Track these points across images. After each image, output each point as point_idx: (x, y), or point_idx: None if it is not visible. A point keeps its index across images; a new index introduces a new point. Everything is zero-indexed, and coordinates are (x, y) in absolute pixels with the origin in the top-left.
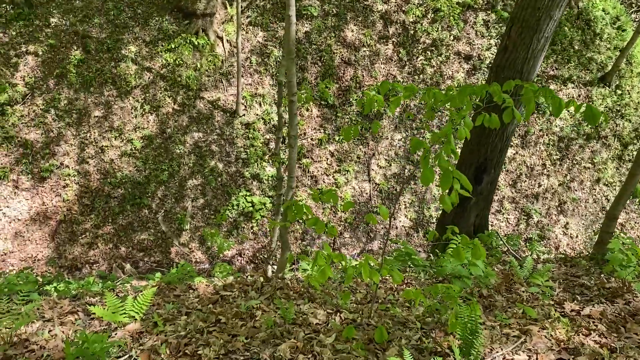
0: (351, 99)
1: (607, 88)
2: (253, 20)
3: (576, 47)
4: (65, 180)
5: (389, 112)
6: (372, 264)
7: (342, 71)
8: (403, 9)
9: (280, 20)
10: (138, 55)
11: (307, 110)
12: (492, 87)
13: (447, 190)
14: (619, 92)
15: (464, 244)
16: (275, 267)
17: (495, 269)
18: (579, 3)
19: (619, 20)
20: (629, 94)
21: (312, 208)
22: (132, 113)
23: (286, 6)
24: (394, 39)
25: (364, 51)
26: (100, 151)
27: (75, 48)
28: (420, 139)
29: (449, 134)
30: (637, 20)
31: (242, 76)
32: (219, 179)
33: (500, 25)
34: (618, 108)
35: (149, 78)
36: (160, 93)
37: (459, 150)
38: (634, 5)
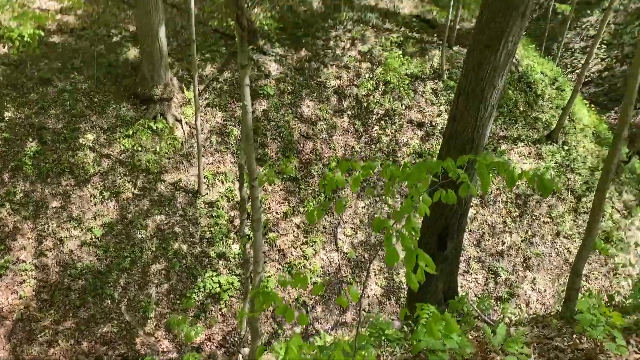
0: (312, 171)
1: (554, 145)
2: (211, 102)
3: (521, 108)
4: (22, 275)
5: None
6: (345, 351)
7: (301, 145)
8: (355, 83)
9: (238, 100)
10: (96, 143)
11: (271, 184)
12: (446, 163)
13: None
14: (566, 147)
15: (434, 320)
16: (247, 352)
17: (469, 337)
18: (519, 68)
19: (557, 81)
20: (575, 149)
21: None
22: (91, 201)
23: (241, 96)
24: (349, 112)
25: (322, 125)
26: (58, 243)
27: (31, 140)
28: (382, 216)
29: (410, 212)
30: (573, 80)
31: (203, 156)
32: (184, 261)
33: (448, 92)
34: (567, 163)
35: (107, 165)
36: (120, 179)
37: (422, 221)
38: (568, 66)
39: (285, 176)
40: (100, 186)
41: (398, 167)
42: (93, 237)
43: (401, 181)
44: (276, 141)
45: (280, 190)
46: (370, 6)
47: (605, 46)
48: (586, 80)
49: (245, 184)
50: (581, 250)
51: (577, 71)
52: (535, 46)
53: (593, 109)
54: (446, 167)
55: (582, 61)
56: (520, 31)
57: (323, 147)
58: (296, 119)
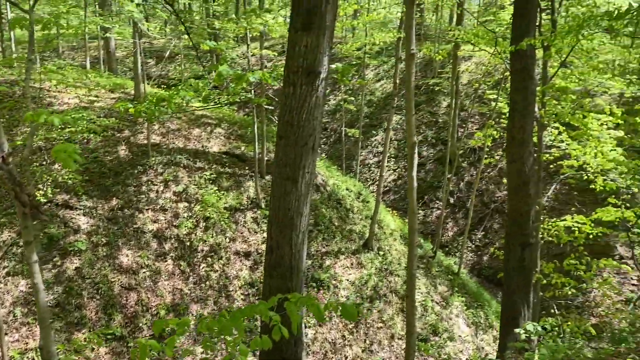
0: (141, 324)
1: (371, 252)
2: (12, 269)
3: (337, 223)
4: None
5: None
6: None
7: (124, 298)
8: (174, 224)
9: (45, 262)
10: None
11: (92, 349)
12: (259, 307)
13: None
14: (381, 253)
15: None
16: None
17: None
18: (327, 187)
19: (362, 194)
20: (389, 252)
21: None
22: None
23: (30, 274)
24: (172, 254)
25: (144, 272)
26: None
27: None
28: None
29: None
30: (374, 191)
31: (7, 334)
32: None
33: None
34: (385, 267)
35: None
36: None
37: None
38: (368, 179)
39: (109, 336)
40: None
41: (214, 318)
42: None
43: (218, 334)
44: (94, 300)
45: (105, 354)
46: (179, 148)
47: (394, 158)
48: (385, 189)
49: None
50: (407, 350)
51: (377, 183)
52: (337, 166)
53: (395, 214)
54: (258, 313)
55: (378, 174)
56: (313, 162)
57: (149, 296)
58: (115, 271)
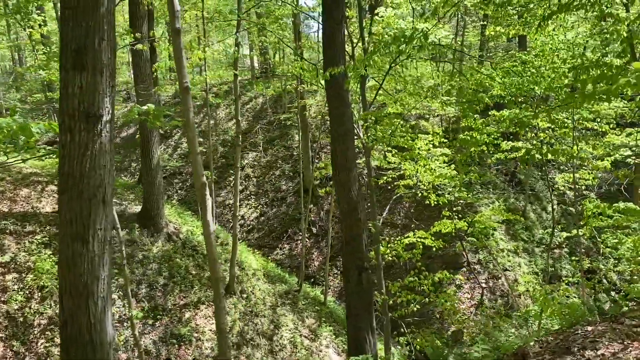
0: None
1: (233, 296)
2: None
3: (194, 272)
4: None
5: None
6: None
7: None
8: (2, 299)
9: None
10: None
11: None
12: None
13: None
14: (245, 295)
15: None
16: None
17: None
18: (180, 235)
19: (220, 237)
20: (253, 293)
21: None
22: None
23: None
24: (1, 335)
25: None
26: None
27: None
28: None
29: None
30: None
31: None
32: None
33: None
34: (250, 309)
35: None
36: None
37: None
38: (230, 221)
39: None
40: None
41: None
42: None
43: None
44: None
45: None
46: (3, 213)
47: (254, 195)
48: (249, 228)
49: None
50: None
51: (239, 222)
52: (191, 212)
53: (258, 252)
54: None
55: (239, 214)
56: (106, 217)
57: None
58: None
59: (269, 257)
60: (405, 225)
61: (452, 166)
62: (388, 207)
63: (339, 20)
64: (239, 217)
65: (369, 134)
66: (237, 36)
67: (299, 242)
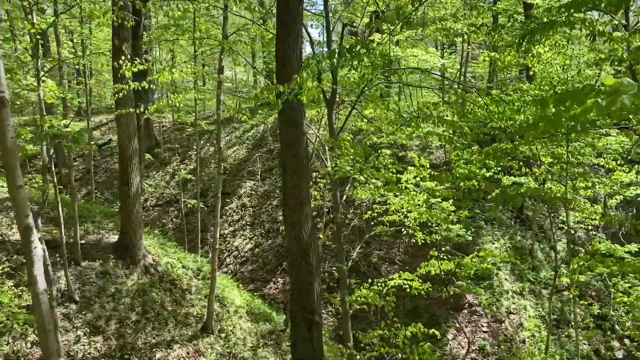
0: None
1: (211, 336)
2: None
3: (170, 308)
4: None
5: None
6: None
7: None
8: None
9: None
10: None
11: None
12: None
13: None
14: (223, 335)
15: None
16: None
17: None
18: (158, 268)
19: (202, 270)
20: (233, 333)
21: None
22: None
23: None
24: None
25: None
26: None
27: None
28: None
29: None
30: (225, 264)
31: None
32: None
33: (84, 313)
34: (228, 350)
35: None
36: None
37: None
38: (224, 251)
39: None
40: None
41: None
42: None
43: None
44: None
45: None
46: None
47: (250, 226)
48: (243, 259)
49: None
50: None
51: (232, 254)
52: (176, 243)
53: (251, 286)
54: None
55: (231, 244)
56: None
57: None
58: None
59: (262, 291)
60: (405, 262)
61: (450, 201)
62: (359, 246)
63: (295, 35)
64: (234, 249)
65: (334, 164)
66: (221, 58)
67: None
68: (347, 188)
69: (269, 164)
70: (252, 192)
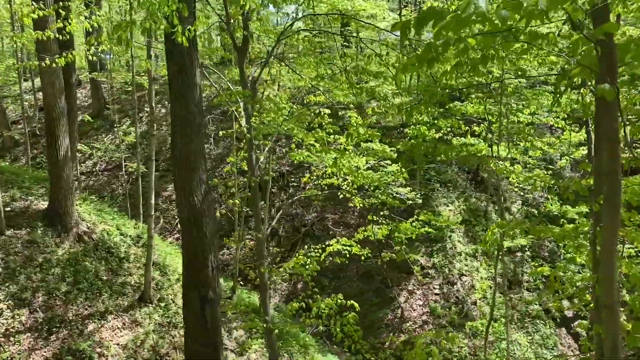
0: None
1: (150, 305)
2: None
3: (105, 278)
4: None
5: None
6: None
7: None
8: None
9: None
10: None
11: None
12: None
13: None
14: (162, 304)
15: None
16: None
17: None
18: (93, 236)
19: (142, 237)
20: (174, 302)
21: None
22: None
23: None
24: None
25: None
26: None
27: None
28: None
29: None
30: (172, 231)
31: None
32: None
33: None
34: (168, 320)
35: None
36: None
37: None
38: (176, 217)
39: None
40: None
41: None
42: None
43: None
44: None
45: None
46: None
47: None
48: None
49: None
50: None
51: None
52: (118, 210)
53: None
54: None
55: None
56: None
57: None
58: None
59: None
60: (360, 225)
61: (399, 164)
62: (280, 211)
63: None
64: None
65: (252, 121)
66: None
67: (248, 241)
68: (279, 149)
69: (222, 126)
70: (206, 156)
